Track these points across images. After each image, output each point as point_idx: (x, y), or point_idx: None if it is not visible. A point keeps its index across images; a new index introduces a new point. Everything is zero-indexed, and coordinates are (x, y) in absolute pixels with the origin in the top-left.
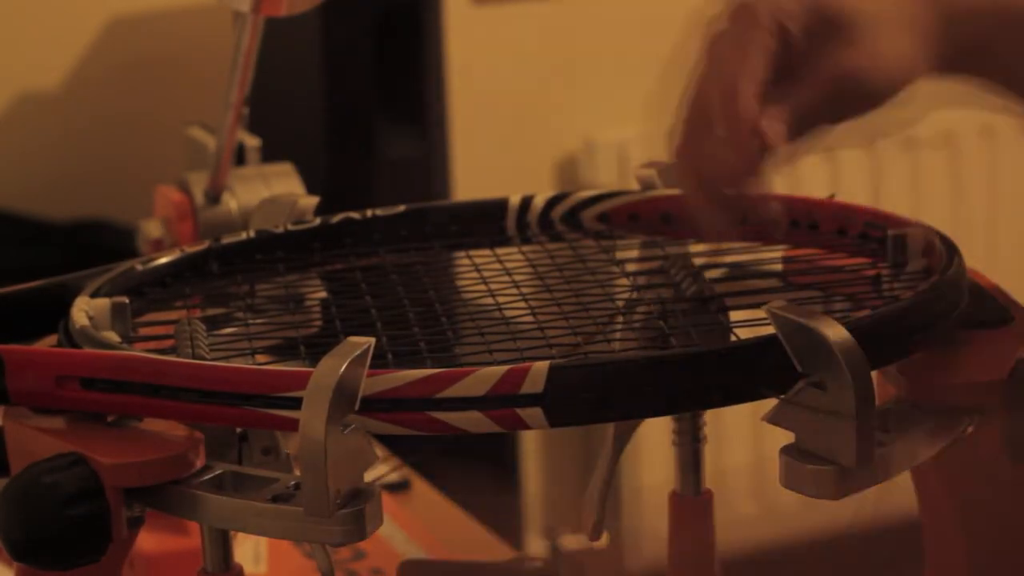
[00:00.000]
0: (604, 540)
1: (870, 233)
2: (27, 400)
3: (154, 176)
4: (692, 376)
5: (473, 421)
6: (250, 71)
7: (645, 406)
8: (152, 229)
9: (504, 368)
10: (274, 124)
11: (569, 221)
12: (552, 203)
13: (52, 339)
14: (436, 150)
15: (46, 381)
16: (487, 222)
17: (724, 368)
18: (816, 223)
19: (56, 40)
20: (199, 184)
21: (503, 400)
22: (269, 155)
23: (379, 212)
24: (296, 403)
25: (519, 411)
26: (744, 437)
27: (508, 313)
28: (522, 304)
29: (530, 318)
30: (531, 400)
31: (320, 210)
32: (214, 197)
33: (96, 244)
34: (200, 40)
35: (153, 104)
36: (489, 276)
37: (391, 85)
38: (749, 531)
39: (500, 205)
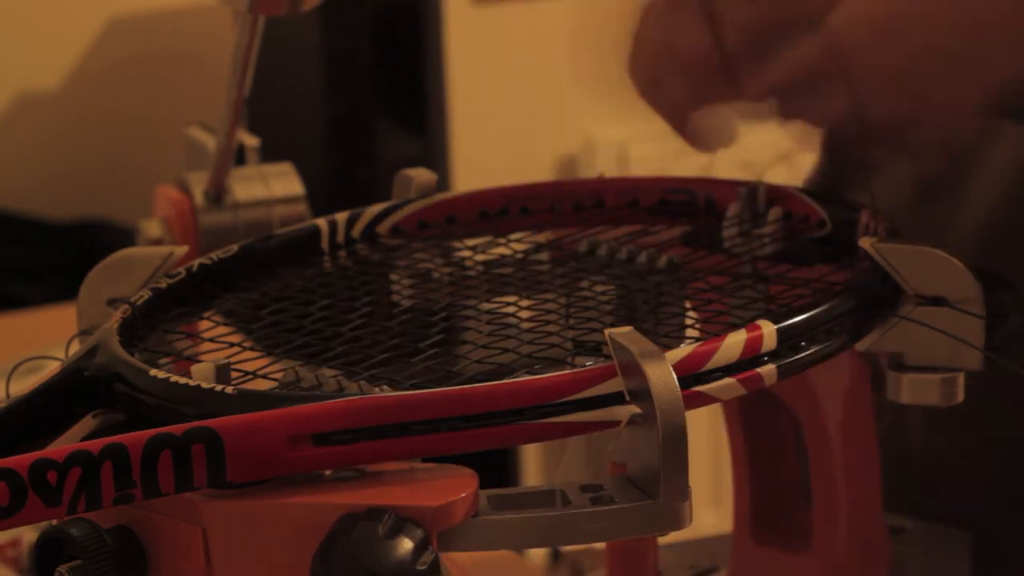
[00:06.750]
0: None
1: (671, 199)
2: (246, 476)
3: (154, 176)
4: None
5: (729, 388)
6: (250, 71)
7: None
8: (152, 229)
9: (745, 333)
10: (274, 124)
11: (367, 238)
12: (351, 222)
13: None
14: (436, 150)
15: (279, 446)
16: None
17: None
18: (603, 201)
19: (56, 40)
20: (199, 184)
21: (748, 363)
22: (269, 155)
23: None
24: (578, 405)
25: (760, 371)
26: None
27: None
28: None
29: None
30: (767, 359)
31: (320, 210)
32: (214, 197)
33: (96, 244)
34: (200, 40)
35: (153, 104)
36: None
37: (391, 85)
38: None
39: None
